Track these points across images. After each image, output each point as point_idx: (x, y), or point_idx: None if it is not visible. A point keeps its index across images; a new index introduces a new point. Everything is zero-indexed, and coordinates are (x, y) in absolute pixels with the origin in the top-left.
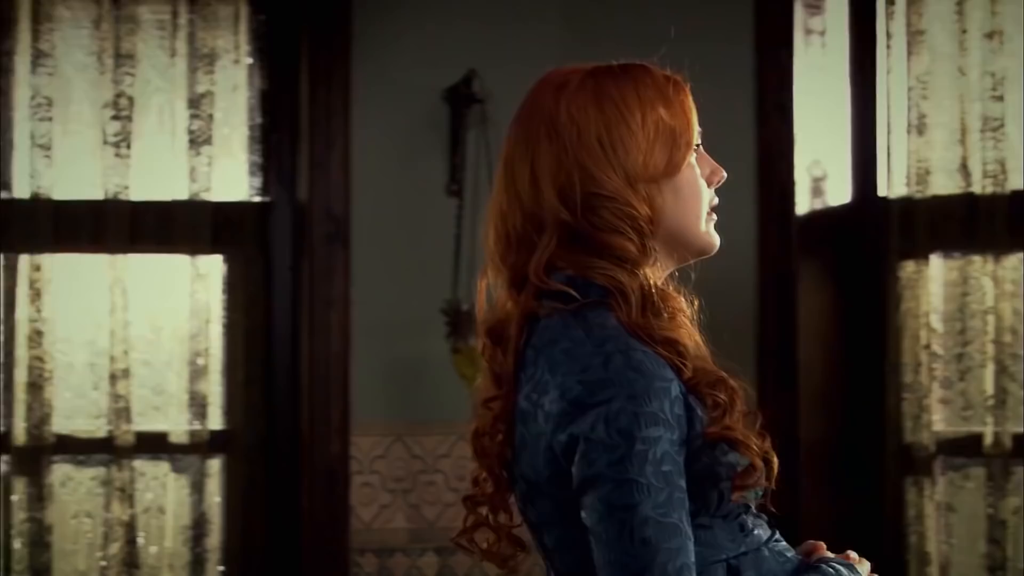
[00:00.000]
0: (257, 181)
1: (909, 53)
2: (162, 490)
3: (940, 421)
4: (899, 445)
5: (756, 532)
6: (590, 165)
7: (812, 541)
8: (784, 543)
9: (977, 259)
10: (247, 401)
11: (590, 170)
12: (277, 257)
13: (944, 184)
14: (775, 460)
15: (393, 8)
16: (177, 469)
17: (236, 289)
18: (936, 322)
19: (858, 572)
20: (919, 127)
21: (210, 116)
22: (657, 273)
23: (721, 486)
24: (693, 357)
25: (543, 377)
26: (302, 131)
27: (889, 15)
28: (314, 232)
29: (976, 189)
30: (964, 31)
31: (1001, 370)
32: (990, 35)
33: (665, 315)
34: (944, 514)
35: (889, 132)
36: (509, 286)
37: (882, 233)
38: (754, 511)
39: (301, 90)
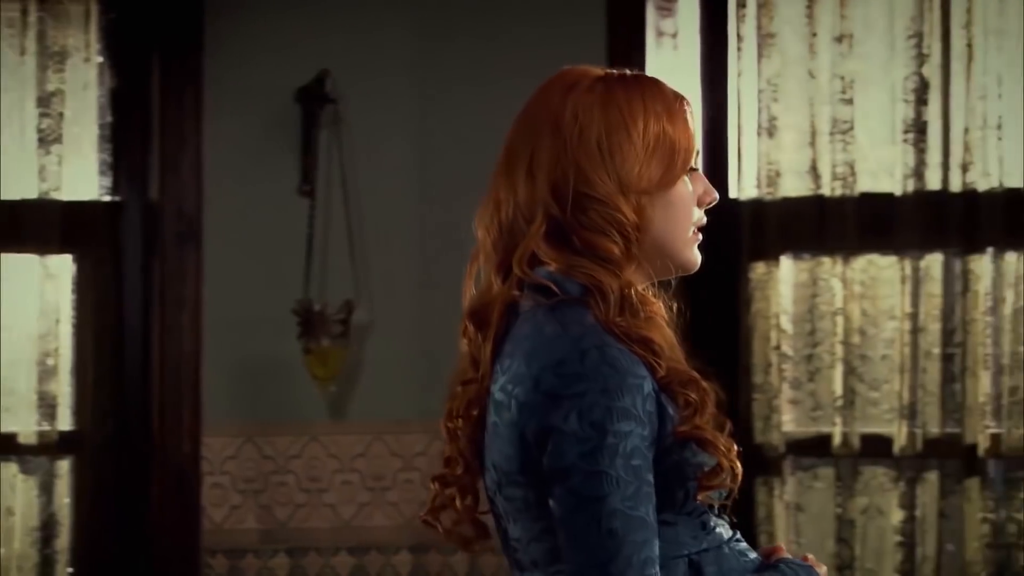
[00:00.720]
0: (107, 180)
1: (760, 56)
2: (10, 492)
3: (790, 421)
4: (749, 445)
5: (718, 531)
6: (585, 166)
7: (772, 544)
8: (744, 544)
9: (826, 261)
10: (97, 402)
11: (585, 170)
12: (128, 257)
13: (794, 186)
14: (739, 464)
15: (246, 7)
16: (26, 470)
17: (86, 289)
18: (786, 323)
19: (816, 574)
20: (769, 129)
21: (60, 115)
22: (639, 278)
23: (688, 484)
24: (667, 357)
25: (519, 369)
26: (153, 130)
27: (740, 18)
28: (165, 232)
29: (825, 191)
30: (814, 34)
31: (850, 371)
32: (839, 39)
33: (642, 316)
34: (793, 514)
35: (740, 134)
36: (495, 272)
37: (733, 235)
38: (716, 511)
39: (152, 89)
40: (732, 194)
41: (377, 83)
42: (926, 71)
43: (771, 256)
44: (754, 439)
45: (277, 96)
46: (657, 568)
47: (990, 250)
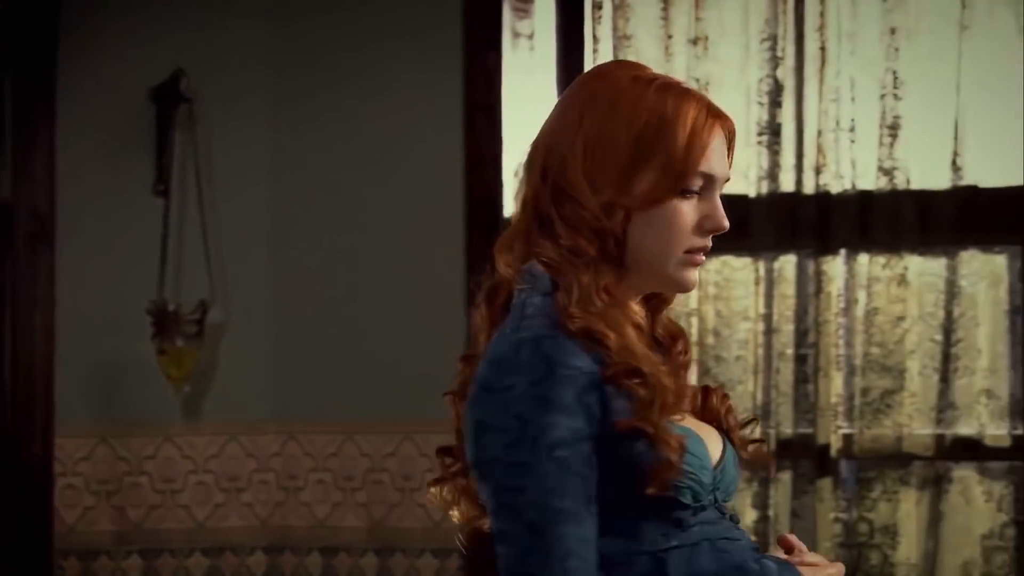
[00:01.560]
0: None
1: (616, 57)
2: None
3: None
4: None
5: (696, 528)
6: (568, 160)
7: (789, 537)
8: (746, 542)
9: None
10: None
11: (567, 164)
12: None
13: None
14: (679, 461)
15: (99, 5)
16: None
17: None
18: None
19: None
20: None
21: None
22: (622, 283)
23: (635, 477)
24: (618, 351)
25: (481, 363)
26: (5, 129)
27: (596, 19)
28: (18, 231)
29: None
30: (670, 36)
31: (704, 372)
32: (694, 41)
33: (599, 309)
34: None
35: None
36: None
37: None
38: (715, 507)
39: (3, 87)
40: None
41: (232, 82)
42: (780, 74)
43: None
44: None
45: (131, 95)
46: (579, 561)
47: (843, 251)
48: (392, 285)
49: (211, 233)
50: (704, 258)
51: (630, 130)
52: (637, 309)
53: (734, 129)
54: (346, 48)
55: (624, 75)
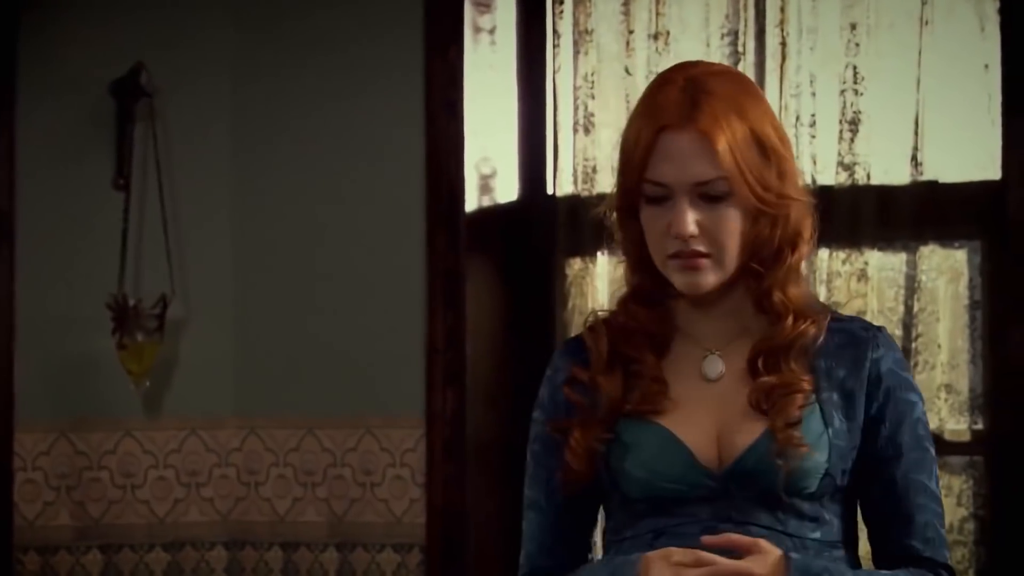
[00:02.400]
0: None
1: (576, 52)
2: None
3: None
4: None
5: (647, 521)
6: None
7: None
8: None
9: None
10: None
11: None
12: None
13: (610, 183)
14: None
15: None
16: None
17: None
18: None
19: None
20: (586, 126)
21: None
22: (653, 283)
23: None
24: (594, 357)
25: None
26: None
27: (557, 14)
28: None
29: None
30: (631, 31)
31: None
32: (655, 36)
33: (617, 308)
34: None
35: (556, 130)
36: None
37: (550, 231)
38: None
39: None
40: (549, 190)
41: (193, 76)
42: (741, 69)
43: (588, 253)
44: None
45: (91, 89)
46: (534, 546)
47: None
48: (353, 281)
49: (172, 228)
50: (692, 260)
51: (629, 130)
52: (643, 312)
53: (705, 129)
54: (307, 43)
55: (656, 78)
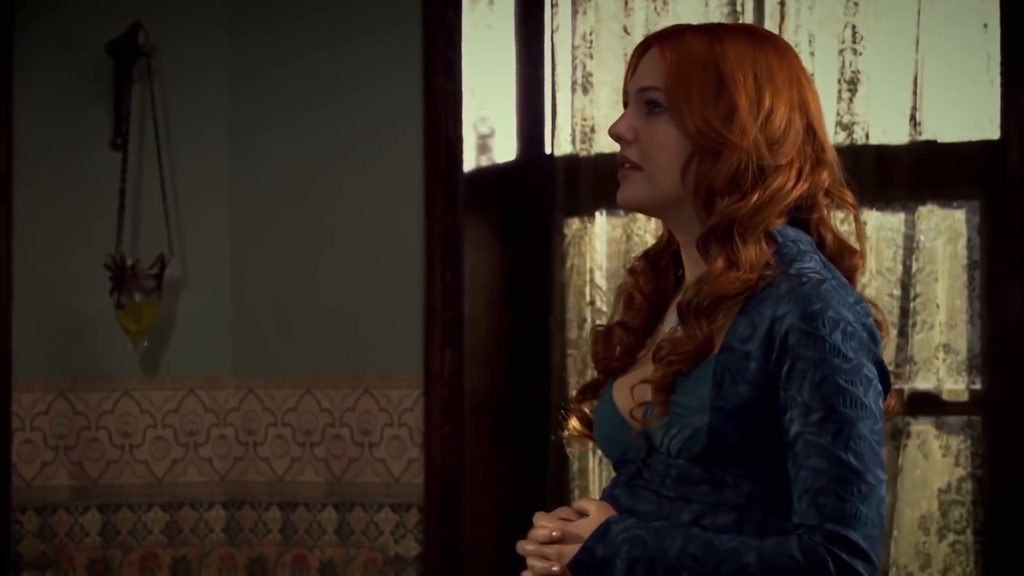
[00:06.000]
0: None
1: (575, 12)
2: None
3: None
4: (565, 400)
5: (617, 479)
6: None
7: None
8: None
9: (640, 217)
10: None
11: None
12: None
13: (608, 143)
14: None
15: None
16: None
17: None
18: (600, 279)
19: None
20: (584, 86)
21: None
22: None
23: None
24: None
25: None
26: None
27: None
28: None
29: None
30: None
31: None
32: None
33: None
34: (607, 468)
35: (555, 90)
36: None
37: (548, 190)
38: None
39: None
40: (547, 150)
41: (190, 35)
42: None
43: (586, 212)
44: (569, 395)
45: (89, 48)
46: None
47: None
48: (352, 240)
49: (169, 187)
50: (623, 171)
51: None
52: (643, 266)
53: (665, 44)
54: (306, 3)
55: None
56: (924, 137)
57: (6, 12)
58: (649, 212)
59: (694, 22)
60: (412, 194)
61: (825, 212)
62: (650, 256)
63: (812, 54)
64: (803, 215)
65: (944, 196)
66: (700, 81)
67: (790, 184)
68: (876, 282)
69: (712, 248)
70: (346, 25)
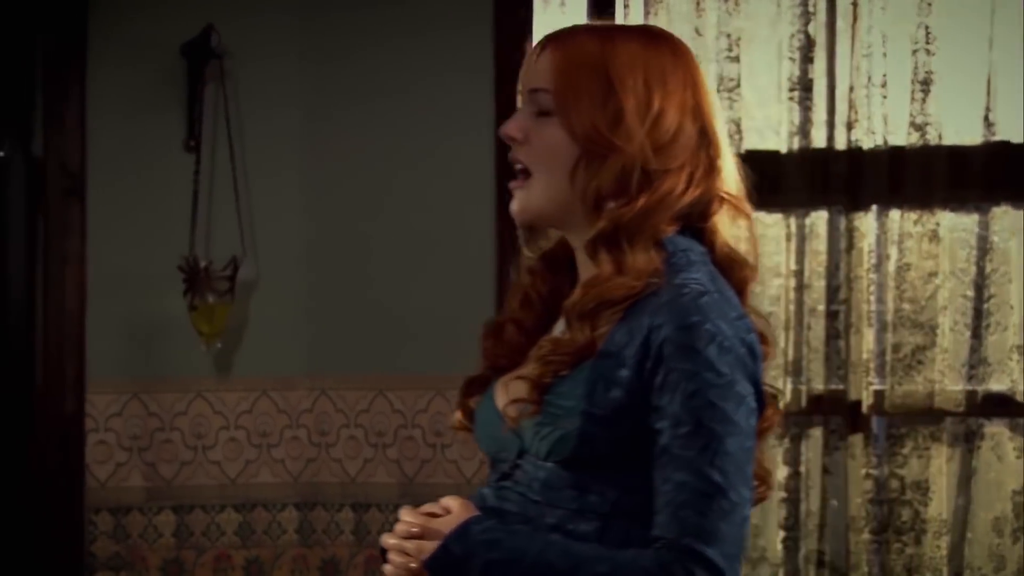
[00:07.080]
0: None
1: (647, 13)
2: None
3: None
4: None
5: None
6: None
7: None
8: (484, 494)
9: None
10: None
11: None
12: (12, 212)
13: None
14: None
15: None
16: None
17: None
18: None
19: None
20: None
21: None
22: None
23: None
24: None
25: None
26: (37, 86)
27: None
28: (49, 187)
29: None
30: None
31: None
32: None
33: None
34: None
35: None
36: None
37: None
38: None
39: (35, 44)
40: None
41: (263, 38)
42: (812, 29)
43: None
44: None
45: (162, 50)
46: None
47: (874, 207)
48: (424, 240)
49: (242, 189)
50: (515, 183)
51: None
52: (530, 270)
53: (555, 45)
54: (376, 4)
55: None
56: (998, 137)
57: (80, 14)
58: (543, 223)
59: (766, 23)
60: (484, 194)
61: (718, 222)
62: (548, 257)
63: (885, 55)
64: (697, 223)
65: (1018, 197)
66: (588, 84)
67: (679, 189)
68: (950, 283)
69: (600, 253)
70: (418, 27)
